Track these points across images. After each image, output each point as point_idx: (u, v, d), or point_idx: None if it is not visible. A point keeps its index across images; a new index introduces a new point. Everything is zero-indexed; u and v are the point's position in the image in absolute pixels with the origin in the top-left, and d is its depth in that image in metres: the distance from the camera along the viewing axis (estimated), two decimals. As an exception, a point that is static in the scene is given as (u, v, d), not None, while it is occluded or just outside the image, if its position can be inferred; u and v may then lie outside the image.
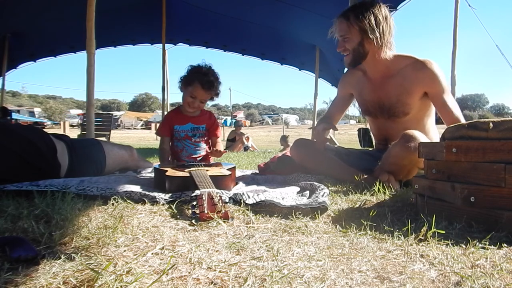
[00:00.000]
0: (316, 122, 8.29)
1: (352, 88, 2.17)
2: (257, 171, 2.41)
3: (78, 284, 0.65)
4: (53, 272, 0.69)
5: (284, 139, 7.61)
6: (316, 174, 2.06)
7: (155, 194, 1.39)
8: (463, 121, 1.78)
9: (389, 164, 1.74)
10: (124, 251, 0.83)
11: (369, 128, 2.42)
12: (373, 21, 1.83)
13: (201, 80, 2.14)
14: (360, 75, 2.10)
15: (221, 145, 2.35)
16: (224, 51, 8.45)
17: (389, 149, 1.79)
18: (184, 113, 2.25)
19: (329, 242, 0.93)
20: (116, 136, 15.72)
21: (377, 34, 1.84)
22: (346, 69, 2.33)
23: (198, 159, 2.22)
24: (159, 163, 2.26)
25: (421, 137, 1.63)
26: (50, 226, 0.97)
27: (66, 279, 0.66)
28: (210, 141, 2.33)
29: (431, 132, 2.00)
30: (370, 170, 1.85)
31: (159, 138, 2.32)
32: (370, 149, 2.41)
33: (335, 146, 2.26)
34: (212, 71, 2.20)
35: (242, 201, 1.33)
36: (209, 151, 2.30)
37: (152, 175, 1.92)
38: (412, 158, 1.59)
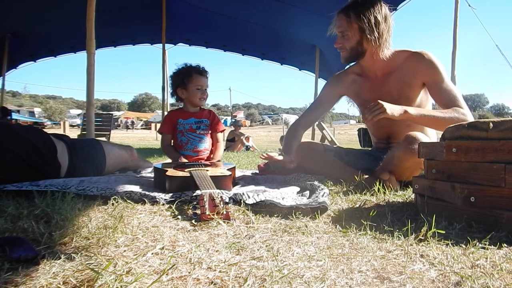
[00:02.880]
0: (316, 122, 8.29)
1: (346, 89, 2.13)
2: (257, 171, 2.41)
3: (78, 284, 0.65)
4: (53, 272, 0.69)
5: (283, 139, 7.62)
6: (316, 175, 2.05)
7: (155, 194, 1.39)
8: (464, 106, 1.76)
9: (392, 165, 1.74)
10: (124, 251, 0.83)
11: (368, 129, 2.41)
12: (372, 21, 1.82)
13: (196, 70, 2.28)
14: (355, 77, 2.08)
15: (221, 148, 2.37)
16: (224, 51, 8.44)
17: (392, 151, 1.78)
18: (187, 110, 2.31)
19: (329, 242, 0.93)
20: (116, 136, 15.72)
21: (376, 35, 1.84)
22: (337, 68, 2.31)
23: (204, 153, 2.24)
24: (159, 163, 2.26)
25: (424, 139, 1.63)
26: (50, 226, 0.97)
27: (66, 279, 0.66)
28: (212, 137, 2.37)
29: (431, 133, 2.00)
30: (370, 170, 1.85)
31: (159, 138, 2.35)
32: (370, 148, 2.40)
33: (334, 146, 2.25)
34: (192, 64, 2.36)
35: (242, 201, 1.33)
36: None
37: (152, 175, 1.92)
38: (416, 160, 1.59)
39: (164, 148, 2.35)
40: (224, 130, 2.52)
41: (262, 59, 8.71)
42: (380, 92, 1.97)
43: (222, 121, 2.55)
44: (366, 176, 1.81)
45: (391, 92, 1.94)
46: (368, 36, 1.84)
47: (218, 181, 1.46)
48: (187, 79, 2.26)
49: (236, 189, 1.59)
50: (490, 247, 0.88)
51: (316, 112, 2.22)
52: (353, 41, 1.89)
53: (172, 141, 2.35)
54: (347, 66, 2.18)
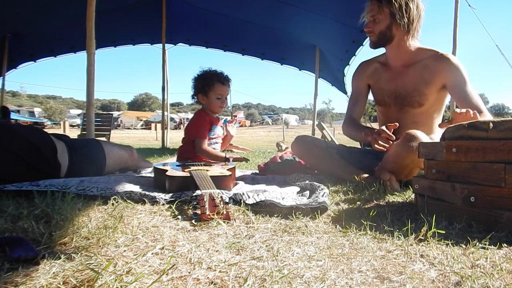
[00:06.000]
0: (316, 122, 8.27)
1: (369, 78, 2.13)
2: (257, 171, 2.41)
3: (78, 284, 0.65)
4: (53, 272, 0.69)
5: (278, 145, 7.58)
6: (316, 170, 2.04)
7: (155, 194, 1.39)
8: (485, 111, 1.77)
9: (391, 163, 1.74)
10: (124, 251, 0.83)
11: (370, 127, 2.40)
12: (404, 7, 1.84)
13: (219, 78, 2.26)
14: (377, 65, 2.10)
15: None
16: (224, 51, 8.43)
17: (391, 149, 1.79)
18: (213, 116, 2.34)
19: (329, 242, 0.93)
20: (116, 136, 15.72)
21: (406, 20, 1.85)
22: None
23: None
24: (159, 162, 2.27)
25: (423, 137, 1.63)
26: (50, 226, 0.97)
27: (66, 279, 0.66)
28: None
29: (437, 132, 2.00)
30: (371, 169, 1.85)
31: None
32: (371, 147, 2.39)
33: (337, 144, 2.24)
34: (216, 70, 2.31)
35: (242, 201, 1.33)
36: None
37: (152, 175, 1.92)
38: (414, 158, 1.59)
39: (205, 150, 2.25)
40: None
41: (262, 59, 8.70)
42: (398, 83, 1.99)
43: (222, 121, 2.58)
44: (366, 175, 1.81)
45: (407, 84, 1.95)
46: (398, 21, 1.85)
47: (218, 181, 1.46)
48: (208, 87, 2.25)
49: (236, 189, 1.59)
50: (490, 247, 0.88)
51: (359, 106, 2.18)
52: (382, 25, 1.90)
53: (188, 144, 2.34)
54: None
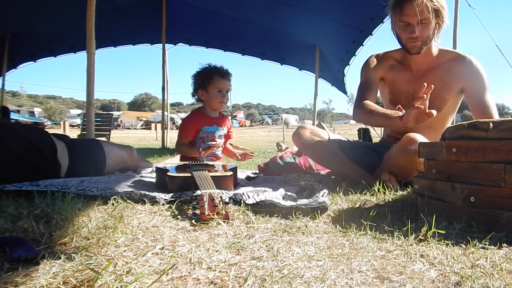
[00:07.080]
0: (316, 122, 8.24)
1: (385, 72, 1.95)
2: (257, 171, 2.42)
3: (78, 284, 0.65)
4: (53, 272, 0.69)
5: (278, 145, 7.59)
6: (316, 163, 2.02)
7: (155, 194, 1.39)
8: (495, 116, 1.70)
9: (389, 165, 1.75)
10: (124, 251, 0.83)
11: (369, 128, 2.38)
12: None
13: (218, 71, 2.21)
14: (393, 62, 1.94)
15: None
16: (224, 51, 8.45)
17: (390, 151, 1.79)
18: (210, 114, 2.29)
19: (329, 242, 0.93)
20: (116, 136, 15.73)
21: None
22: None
23: (220, 160, 2.27)
24: (160, 163, 2.27)
25: (422, 140, 1.63)
26: (50, 226, 0.97)
27: (66, 279, 0.66)
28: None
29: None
30: (373, 167, 1.84)
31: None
32: (375, 142, 2.34)
33: (341, 139, 2.16)
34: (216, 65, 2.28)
35: (242, 201, 1.33)
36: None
37: (152, 175, 1.92)
38: (412, 161, 1.59)
39: (180, 148, 2.27)
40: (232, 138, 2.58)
41: (262, 59, 8.72)
42: (417, 86, 1.82)
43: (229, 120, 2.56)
44: (367, 176, 1.81)
45: None
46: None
47: (219, 181, 1.46)
48: (207, 81, 2.19)
49: (236, 189, 1.59)
50: (490, 247, 0.88)
51: (371, 94, 1.95)
52: (431, 29, 1.70)
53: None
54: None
